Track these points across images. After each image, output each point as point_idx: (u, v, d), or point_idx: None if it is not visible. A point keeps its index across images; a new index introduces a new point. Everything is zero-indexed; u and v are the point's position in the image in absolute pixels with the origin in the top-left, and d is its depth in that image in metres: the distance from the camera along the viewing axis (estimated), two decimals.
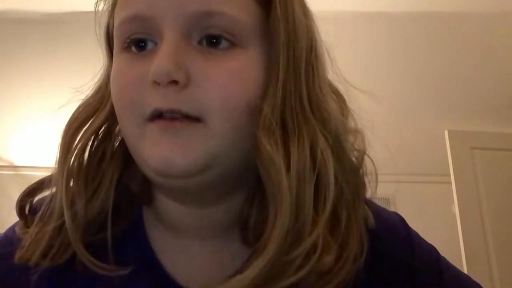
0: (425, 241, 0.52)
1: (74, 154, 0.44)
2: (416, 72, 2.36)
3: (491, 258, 2.22)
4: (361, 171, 0.45)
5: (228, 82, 0.39)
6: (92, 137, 0.45)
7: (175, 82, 0.38)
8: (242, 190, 0.45)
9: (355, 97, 0.48)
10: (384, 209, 0.52)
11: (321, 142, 0.41)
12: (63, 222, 0.43)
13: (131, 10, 0.41)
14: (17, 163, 2.30)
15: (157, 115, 0.39)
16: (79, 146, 0.44)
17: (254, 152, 0.40)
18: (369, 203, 0.48)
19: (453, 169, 2.32)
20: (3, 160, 2.30)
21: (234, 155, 0.41)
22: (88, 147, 0.45)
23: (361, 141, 0.46)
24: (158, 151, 0.39)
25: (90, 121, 0.45)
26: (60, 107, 0.51)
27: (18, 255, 0.43)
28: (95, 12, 0.47)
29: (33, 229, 0.44)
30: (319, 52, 0.46)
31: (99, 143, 0.46)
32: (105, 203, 0.44)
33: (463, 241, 2.21)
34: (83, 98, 0.47)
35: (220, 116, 0.39)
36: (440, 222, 2.28)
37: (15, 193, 0.47)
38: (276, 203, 0.38)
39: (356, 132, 0.46)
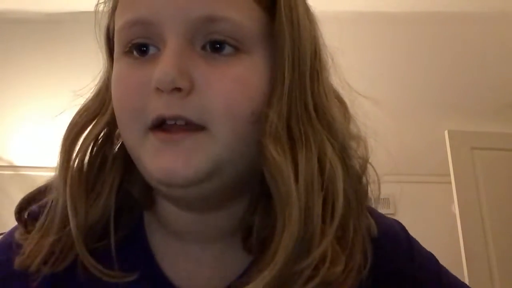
0: (425, 249, 0.52)
1: (76, 161, 0.43)
2: (416, 72, 2.35)
3: (491, 258, 2.22)
4: (364, 179, 0.44)
5: (232, 88, 0.39)
6: (92, 143, 0.44)
7: (178, 89, 0.37)
8: (245, 197, 0.44)
9: (357, 100, 0.47)
10: (385, 217, 0.51)
11: (329, 150, 0.40)
12: (65, 229, 0.42)
13: (133, 14, 0.40)
14: (17, 163, 2.30)
15: (160, 123, 0.38)
16: (80, 152, 0.43)
17: (260, 160, 0.39)
18: (371, 211, 0.47)
19: (453, 169, 2.31)
20: (3, 160, 2.30)
21: (238, 163, 0.40)
22: (88, 152, 0.44)
23: (364, 148, 0.45)
24: (160, 162, 0.38)
25: (90, 126, 0.45)
26: (59, 114, 0.50)
27: (18, 261, 0.43)
28: (95, 14, 0.46)
29: (34, 236, 0.43)
30: (323, 57, 0.45)
31: (99, 148, 0.45)
32: (106, 209, 0.44)
33: (463, 241, 2.21)
34: (83, 100, 0.46)
35: (224, 123, 0.38)
36: (440, 222, 2.28)
37: (15, 193, 0.47)
38: (284, 213, 0.38)
39: (359, 138, 0.45)
